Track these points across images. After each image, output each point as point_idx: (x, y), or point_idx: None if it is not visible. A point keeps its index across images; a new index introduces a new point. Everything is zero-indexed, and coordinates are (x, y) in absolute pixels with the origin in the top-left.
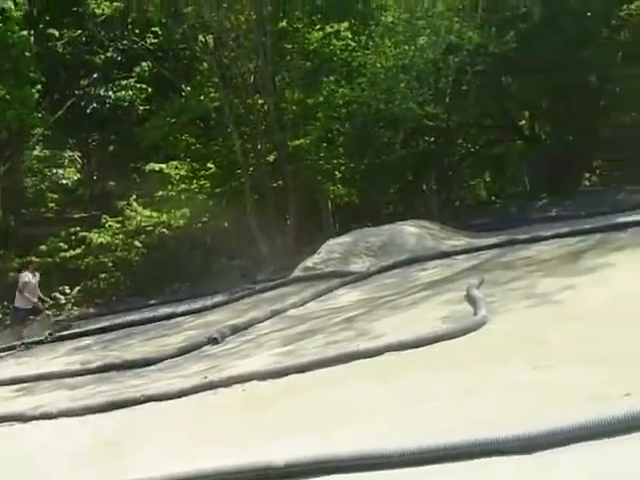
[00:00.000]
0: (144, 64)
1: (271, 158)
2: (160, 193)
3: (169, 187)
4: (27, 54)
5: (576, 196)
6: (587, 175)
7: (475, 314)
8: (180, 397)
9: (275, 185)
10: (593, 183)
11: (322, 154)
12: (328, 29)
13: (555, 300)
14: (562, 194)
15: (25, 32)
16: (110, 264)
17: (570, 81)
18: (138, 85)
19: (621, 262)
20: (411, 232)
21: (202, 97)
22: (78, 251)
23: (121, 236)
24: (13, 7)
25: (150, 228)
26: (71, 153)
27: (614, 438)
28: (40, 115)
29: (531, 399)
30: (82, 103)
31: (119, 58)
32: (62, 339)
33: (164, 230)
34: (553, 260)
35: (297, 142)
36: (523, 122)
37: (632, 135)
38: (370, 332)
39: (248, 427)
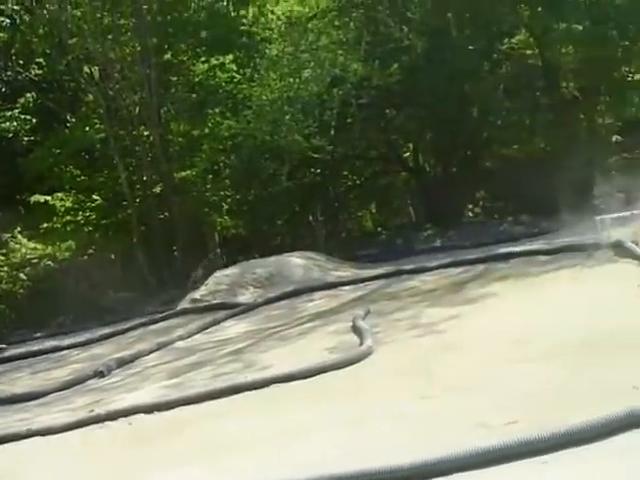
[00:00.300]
0: (28, 95)
1: (157, 190)
2: (45, 225)
3: (54, 219)
4: None
5: (460, 227)
6: (470, 206)
7: (361, 345)
8: (65, 431)
9: (162, 217)
10: (476, 214)
11: (208, 186)
12: (213, 61)
13: (439, 330)
14: (446, 225)
15: None
16: None
17: (453, 114)
18: (22, 116)
19: (503, 292)
20: (298, 263)
21: (87, 128)
22: None
23: (5, 269)
24: None
25: (35, 261)
26: None
27: (490, 468)
28: None
29: (417, 429)
30: None
31: (3, 89)
32: None
33: (49, 262)
34: (437, 290)
35: (183, 174)
36: (408, 154)
37: (514, 167)
38: (258, 363)
39: (134, 460)
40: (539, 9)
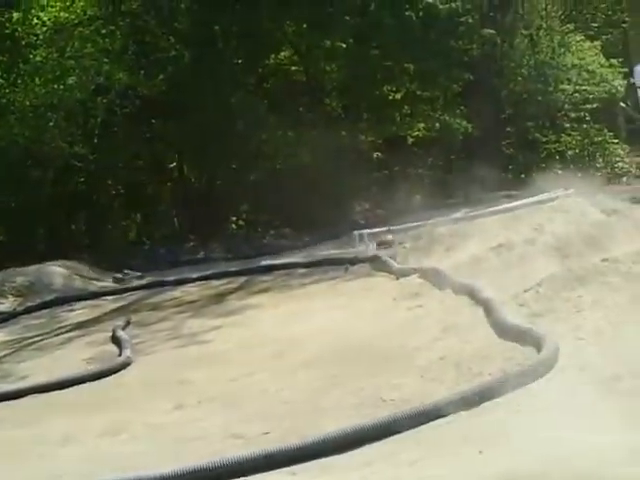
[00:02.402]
0: None
1: None
2: None
3: None
4: None
5: (224, 239)
6: (234, 219)
7: (120, 355)
8: None
9: None
10: (240, 227)
11: None
12: None
13: (200, 340)
14: (210, 237)
15: None
16: None
17: (219, 126)
18: None
19: (264, 304)
20: (59, 272)
21: None
22: None
23: None
24: None
25: None
26: None
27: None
28: None
29: (171, 439)
30: None
31: None
32: None
33: None
34: (199, 301)
35: None
36: (173, 164)
37: (278, 181)
38: (15, 374)
39: None
40: (304, 26)
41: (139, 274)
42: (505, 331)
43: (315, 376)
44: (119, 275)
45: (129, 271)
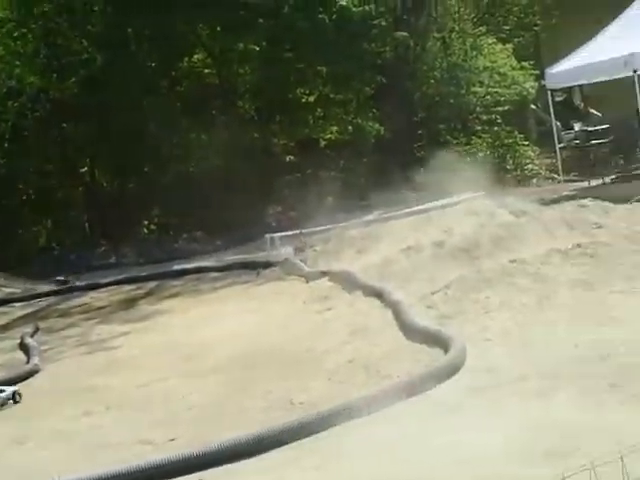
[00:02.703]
0: None
1: None
2: None
3: None
4: None
5: (136, 243)
6: (146, 223)
7: (27, 362)
8: None
9: None
10: (152, 231)
11: None
12: None
13: (109, 347)
14: (122, 241)
15: None
16: None
17: (131, 129)
18: None
19: (175, 309)
20: None
21: None
22: None
23: None
24: None
25: None
26: None
27: None
28: None
29: (77, 446)
30: None
31: None
32: None
33: None
34: (109, 307)
35: None
36: (85, 169)
37: (190, 184)
38: None
39: None
40: (218, 29)
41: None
42: (413, 333)
43: (225, 381)
44: (62, 278)
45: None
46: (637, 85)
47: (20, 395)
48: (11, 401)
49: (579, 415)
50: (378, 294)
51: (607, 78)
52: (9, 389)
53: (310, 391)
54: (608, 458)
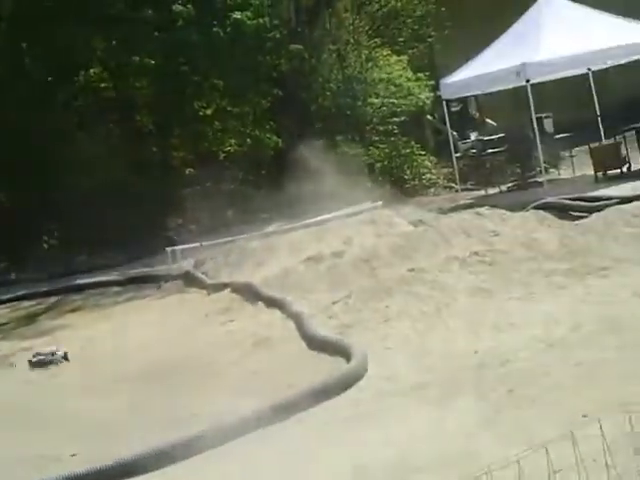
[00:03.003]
0: None
1: None
2: None
3: None
4: None
5: (35, 259)
6: (46, 238)
7: None
8: None
9: None
10: (52, 246)
11: None
12: None
13: (9, 363)
14: (22, 257)
15: None
16: None
17: (28, 144)
18: None
19: (76, 323)
20: None
21: None
22: None
23: None
24: None
25: None
26: None
27: None
28: None
29: None
30: None
31: None
32: None
33: None
34: (9, 324)
35: None
36: None
37: (89, 199)
38: None
39: None
40: (113, 42)
41: None
42: (315, 343)
43: (126, 395)
44: None
45: None
46: (530, 95)
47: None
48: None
49: (477, 421)
50: (280, 305)
51: (501, 88)
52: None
53: (214, 403)
54: (505, 462)
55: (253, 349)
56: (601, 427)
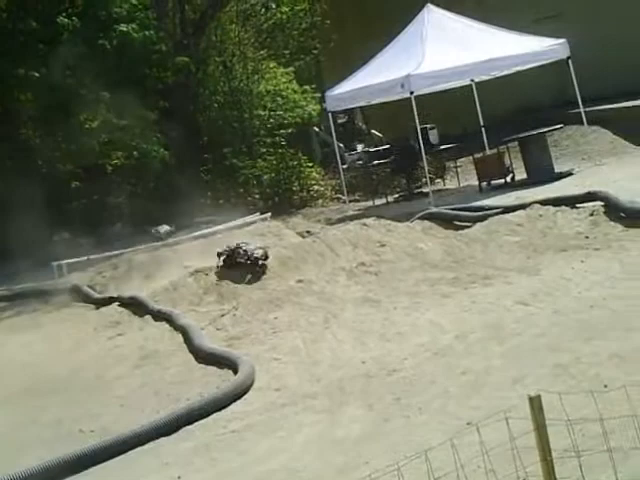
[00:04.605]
0: None
1: None
2: None
3: None
4: None
5: None
6: None
7: None
8: None
9: None
10: None
11: None
12: None
13: None
14: None
15: None
16: None
17: None
18: None
19: None
20: None
21: None
22: None
23: None
24: None
25: None
26: None
27: None
28: None
29: None
30: None
31: None
32: None
33: None
34: None
35: None
36: None
37: None
38: None
39: None
40: None
41: None
42: (203, 356)
43: (13, 412)
44: None
45: None
46: (414, 106)
47: None
48: None
49: (366, 430)
50: (168, 318)
51: (386, 100)
52: None
53: (101, 418)
54: (390, 469)
55: (141, 362)
56: (479, 433)
